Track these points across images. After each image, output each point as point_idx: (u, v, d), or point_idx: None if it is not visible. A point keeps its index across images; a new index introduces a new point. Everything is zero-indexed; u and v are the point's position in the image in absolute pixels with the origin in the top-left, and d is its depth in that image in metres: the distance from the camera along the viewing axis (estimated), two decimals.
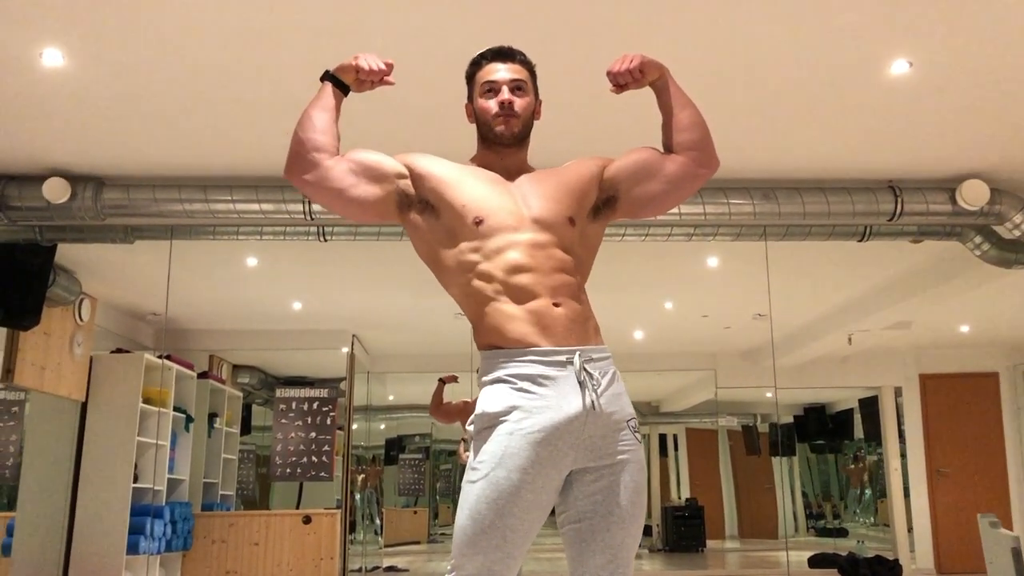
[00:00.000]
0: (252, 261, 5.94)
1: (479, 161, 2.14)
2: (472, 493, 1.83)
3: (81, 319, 6.22)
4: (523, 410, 1.85)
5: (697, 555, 10.55)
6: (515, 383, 1.87)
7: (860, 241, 5.01)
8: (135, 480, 6.40)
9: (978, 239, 4.98)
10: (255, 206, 4.48)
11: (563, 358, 1.88)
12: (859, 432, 10.56)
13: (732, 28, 3.25)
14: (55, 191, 4.35)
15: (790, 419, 11.10)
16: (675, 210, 4.57)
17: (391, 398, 10.57)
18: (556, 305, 1.93)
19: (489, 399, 1.89)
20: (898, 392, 9.30)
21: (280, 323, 7.65)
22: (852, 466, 11.06)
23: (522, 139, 2.12)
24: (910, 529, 8.95)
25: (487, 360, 1.95)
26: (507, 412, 1.85)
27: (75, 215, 4.46)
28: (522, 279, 1.94)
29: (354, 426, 8.30)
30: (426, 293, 4.79)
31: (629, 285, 6.48)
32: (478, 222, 1.98)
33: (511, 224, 1.98)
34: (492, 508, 1.80)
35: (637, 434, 1.93)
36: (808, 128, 4.17)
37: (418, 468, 12.03)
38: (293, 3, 3.08)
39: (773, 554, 10.49)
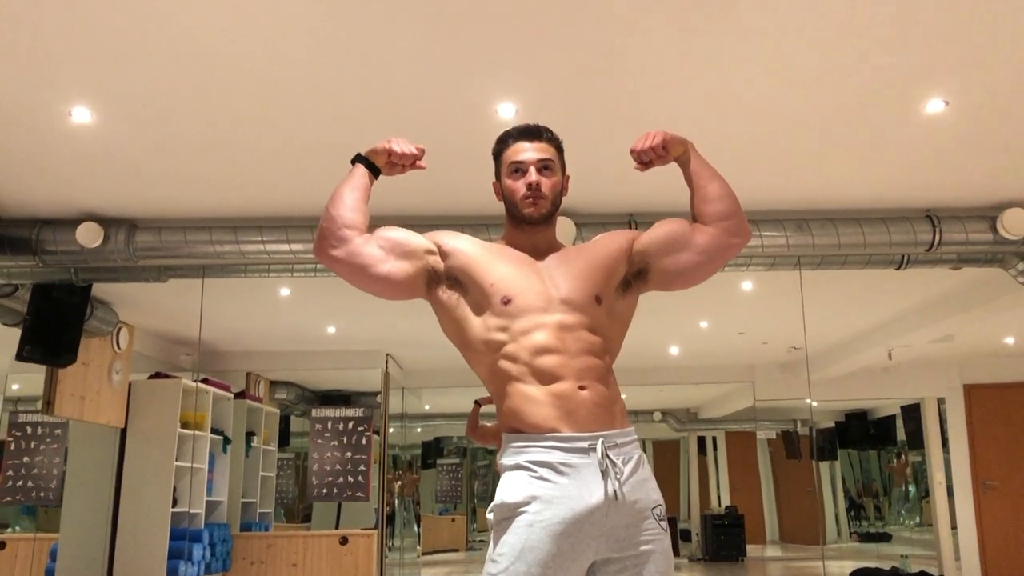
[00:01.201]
0: (285, 291, 5.97)
1: (507, 239, 2.14)
2: None
3: (119, 347, 6.30)
4: (542, 500, 1.83)
5: (737, 565, 10.45)
6: (535, 471, 1.85)
7: (898, 269, 4.90)
8: (174, 504, 6.47)
9: (1021, 265, 4.84)
10: (285, 246, 4.49)
11: (585, 444, 1.86)
12: (901, 437, 10.38)
13: (771, 68, 3.21)
14: (88, 235, 4.39)
15: (831, 424, 10.95)
16: None
17: (427, 407, 10.60)
18: (582, 388, 1.91)
19: (508, 488, 1.87)
20: (941, 402, 9.11)
21: (315, 344, 7.70)
22: (895, 462, 10.86)
23: (550, 217, 2.12)
24: (954, 527, 8.76)
25: (507, 444, 1.93)
26: (526, 503, 1.83)
27: (108, 257, 4.50)
28: (547, 361, 1.92)
29: (390, 429, 8.33)
30: None
31: (665, 307, 6.41)
32: (506, 302, 1.97)
33: (539, 305, 1.97)
34: None
35: (663, 522, 1.91)
36: (843, 162, 4.09)
37: (455, 474, 12.03)
38: (318, 52, 3.07)
39: (814, 564, 10.36)
